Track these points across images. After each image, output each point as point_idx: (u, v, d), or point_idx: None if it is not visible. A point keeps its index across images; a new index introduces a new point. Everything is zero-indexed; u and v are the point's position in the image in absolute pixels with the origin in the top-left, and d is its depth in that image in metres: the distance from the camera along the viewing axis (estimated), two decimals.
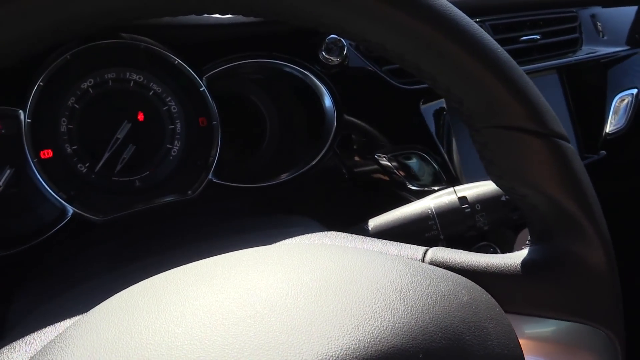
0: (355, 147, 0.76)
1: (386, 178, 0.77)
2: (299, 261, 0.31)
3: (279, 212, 0.64)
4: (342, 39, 0.71)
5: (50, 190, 0.62)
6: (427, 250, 0.38)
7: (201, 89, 0.68)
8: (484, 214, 0.54)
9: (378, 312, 0.27)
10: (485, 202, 0.54)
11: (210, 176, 0.69)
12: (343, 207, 0.78)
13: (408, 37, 0.30)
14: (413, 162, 0.77)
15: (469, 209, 0.53)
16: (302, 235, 0.45)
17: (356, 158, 0.77)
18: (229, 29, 0.69)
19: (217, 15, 0.69)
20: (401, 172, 0.76)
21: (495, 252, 0.77)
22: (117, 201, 0.66)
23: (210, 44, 0.70)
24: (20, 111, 0.61)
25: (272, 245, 0.37)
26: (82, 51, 0.63)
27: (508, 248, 0.80)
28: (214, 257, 0.34)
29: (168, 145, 0.69)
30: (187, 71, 0.67)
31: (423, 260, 0.37)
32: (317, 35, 0.72)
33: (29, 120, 0.61)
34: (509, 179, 0.35)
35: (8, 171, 0.64)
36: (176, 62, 0.66)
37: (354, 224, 0.59)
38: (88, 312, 0.30)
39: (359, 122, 0.75)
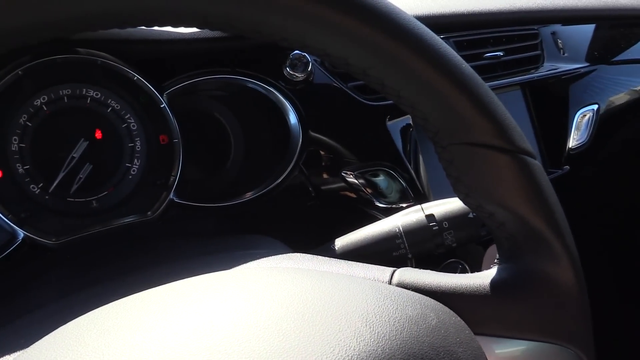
0: (321, 164, 0.75)
1: (353, 195, 0.75)
2: (259, 287, 0.30)
3: (243, 232, 0.62)
4: (306, 55, 0.70)
5: None
6: (394, 271, 0.37)
7: (162, 106, 0.66)
8: (452, 232, 0.53)
9: (343, 340, 0.26)
10: (452, 220, 0.53)
11: (171, 196, 0.66)
12: (310, 226, 0.77)
13: (371, 52, 0.29)
14: (380, 179, 0.76)
15: (437, 227, 0.52)
16: (264, 258, 0.43)
17: (322, 175, 0.76)
18: (190, 44, 0.68)
19: (178, 30, 0.68)
20: (368, 190, 0.75)
21: (463, 269, 0.77)
22: (72, 223, 0.63)
23: (171, 60, 0.68)
24: None
25: (232, 270, 0.35)
26: (35, 67, 0.60)
27: (476, 264, 0.80)
28: (169, 284, 0.31)
29: (127, 164, 0.67)
30: (147, 87, 0.65)
31: (390, 282, 0.35)
32: (281, 51, 0.71)
33: None
34: (475, 197, 0.34)
35: None
36: (135, 77, 0.64)
37: (321, 244, 0.58)
38: (28, 348, 0.28)
39: (325, 138, 0.74)
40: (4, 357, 0.33)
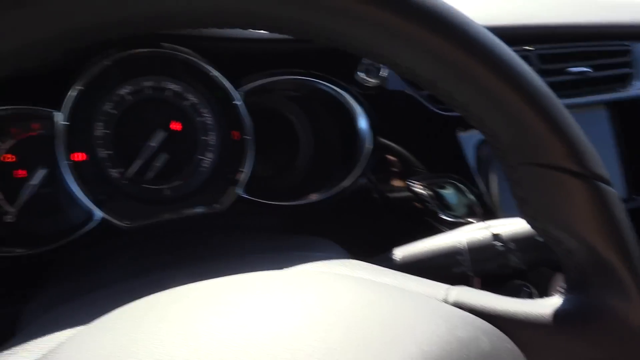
0: (389, 171, 0.74)
1: (419, 206, 0.74)
2: (310, 292, 0.30)
3: (305, 233, 0.63)
4: None
5: (80, 193, 0.62)
6: (451, 289, 0.35)
7: (236, 102, 0.67)
8: (519, 253, 0.51)
9: (387, 355, 0.25)
10: (520, 241, 0.51)
11: (239, 191, 0.68)
12: (372, 233, 0.76)
13: (440, 64, 0.28)
14: (448, 192, 0.74)
15: (503, 247, 0.51)
16: (321, 262, 0.43)
17: (389, 183, 0.75)
18: (268, 43, 0.69)
19: (254, 31, 0.70)
20: (435, 202, 0.73)
21: (529, 292, 0.73)
22: (145, 209, 0.66)
23: (249, 58, 0.70)
24: (57, 113, 0.62)
25: (287, 271, 0.36)
26: (122, 58, 0.64)
27: (543, 289, 0.76)
28: (226, 278, 0.32)
29: (200, 157, 0.69)
30: (224, 84, 0.67)
31: (445, 301, 0.34)
32: (355, 55, 0.71)
33: (64, 123, 0.62)
34: (543, 221, 0.32)
35: (42, 171, 0.65)
36: (213, 74, 0.66)
37: (382, 252, 0.57)
38: (90, 324, 0.30)
39: (394, 145, 0.73)
40: (69, 329, 0.35)
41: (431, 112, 0.73)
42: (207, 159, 0.69)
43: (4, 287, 0.61)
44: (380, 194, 0.74)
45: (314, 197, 0.71)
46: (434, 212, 0.74)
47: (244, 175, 0.68)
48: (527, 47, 0.82)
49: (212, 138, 0.69)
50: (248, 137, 0.68)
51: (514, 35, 0.79)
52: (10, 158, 0.66)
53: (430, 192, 0.73)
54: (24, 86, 0.62)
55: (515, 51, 0.30)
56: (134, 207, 0.66)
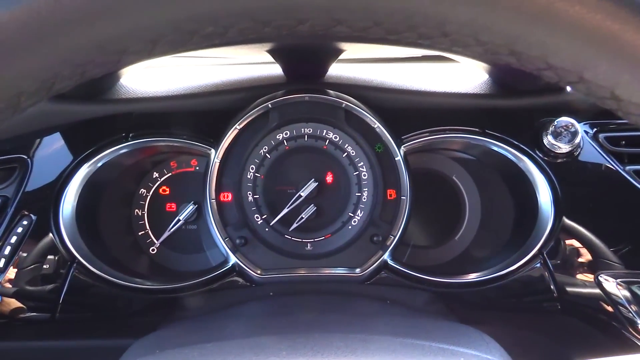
0: (572, 260, 0.60)
1: (609, 309, 0.59)
2: None
3: (455, 318, 0.52)
4: (574, 123, 0.58)
5: (218, 234, 0.60)
6: None
7: (397, 159, 0.61)
8: None
9: None
10: None
11: (386, 256, 0.60)
12: (542, 332, 0.62)
13: None
14: None
15: None
16: None
17: (571, 274, 0.60)
18: (436, 97, 0.62)
19: (424, 84, 0.63)
20: (633, 307, 0.57)
21: None
22: (282, 261, 0.61)
23: (415, 112, 0.63)
24: (213, 150, 0.61)
25: None
26: (285, 102, 0.61)
27: None
28: None
29: (350, 214, 0.63)
30: (386, 138, 0.61)
31: None
32: (544, 116, 0.60)
33: (217, 161, 0.60)
34: None
35: (191, 207, 0.64)
36: (376, 125, 0.61)
37: (555, 358, 0.44)
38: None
39: (582, 229, 0.59)
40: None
41: (637, 191, 0.59)
42: (357, 217, 0.63)
43: (133, 317, 0.60)
44: (557, 286, 0.60)
45: (472, 276, 0.61)
46: (630, 320, 0.57)
47: (394, 239, 0.60)
48: None
49: (365, 195, 0.63)
50: (404, 198, 0.61)
51: None
52: (164, 191, 0.66)
53: (626, 293, 0.57)
54: (186, 121, 0.63)
55: None
56: (271, 257, 0.61)
